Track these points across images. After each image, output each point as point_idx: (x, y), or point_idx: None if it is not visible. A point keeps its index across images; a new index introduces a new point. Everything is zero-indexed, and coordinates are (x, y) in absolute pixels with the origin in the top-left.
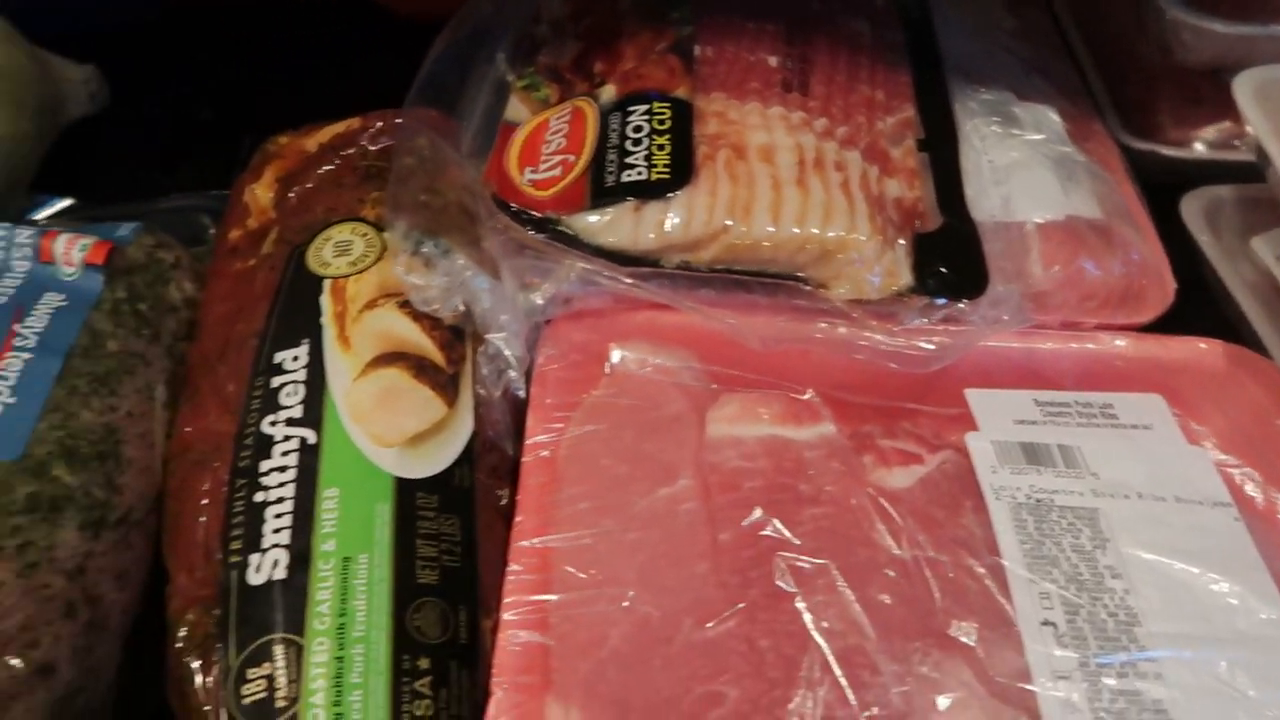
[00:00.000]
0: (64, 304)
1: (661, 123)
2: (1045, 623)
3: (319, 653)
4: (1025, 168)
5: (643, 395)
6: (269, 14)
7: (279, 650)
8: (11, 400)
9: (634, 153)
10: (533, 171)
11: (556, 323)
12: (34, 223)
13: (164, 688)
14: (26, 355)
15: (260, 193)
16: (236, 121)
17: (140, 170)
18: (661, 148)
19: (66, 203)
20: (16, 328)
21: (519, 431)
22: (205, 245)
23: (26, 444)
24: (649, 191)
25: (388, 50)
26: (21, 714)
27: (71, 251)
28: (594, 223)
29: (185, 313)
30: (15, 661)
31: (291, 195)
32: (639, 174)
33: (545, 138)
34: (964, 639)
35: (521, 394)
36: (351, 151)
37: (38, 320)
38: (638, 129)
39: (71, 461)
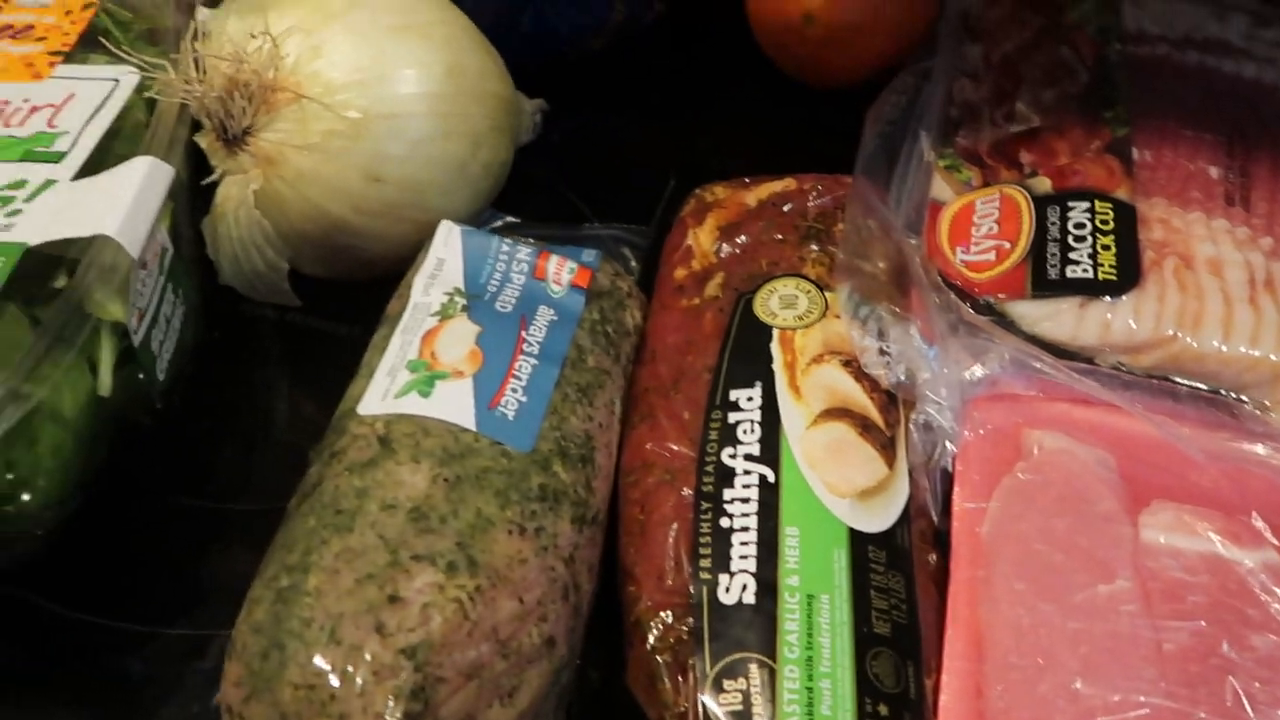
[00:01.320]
0: (555, 319)
1: (1104, 222)
2: None
3: (790, 680)
4: None
5: (1068, 486)
6: (690, 71)
7: (753, 669)
8: (524, 399)
9: (1076, 249)
10: (964, 252)
11: (980, 400)
12: (525, 239)
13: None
14: (533, 361)
15: (703, 238)
16: (659, 161)
17: (562, 195)
18: (1106, 247)
19: (511, 219)
20: (523, 334)
21: (945, 501)
22: (631, 275)
23: (535, 439)
24: (1095, 290)
25: (794, 110)
26: (534, 678)
27: (561, 273)
28: (1034, 312)
29: (635, 338)
30: (534, 631)
31: (735, 245)
32: (1084, 271)
33: (974, 220)
34: None
35: (948, 467)
36: (790, 210)
37: (538, 330)
38: (1079, 225)
39: (565, 460)
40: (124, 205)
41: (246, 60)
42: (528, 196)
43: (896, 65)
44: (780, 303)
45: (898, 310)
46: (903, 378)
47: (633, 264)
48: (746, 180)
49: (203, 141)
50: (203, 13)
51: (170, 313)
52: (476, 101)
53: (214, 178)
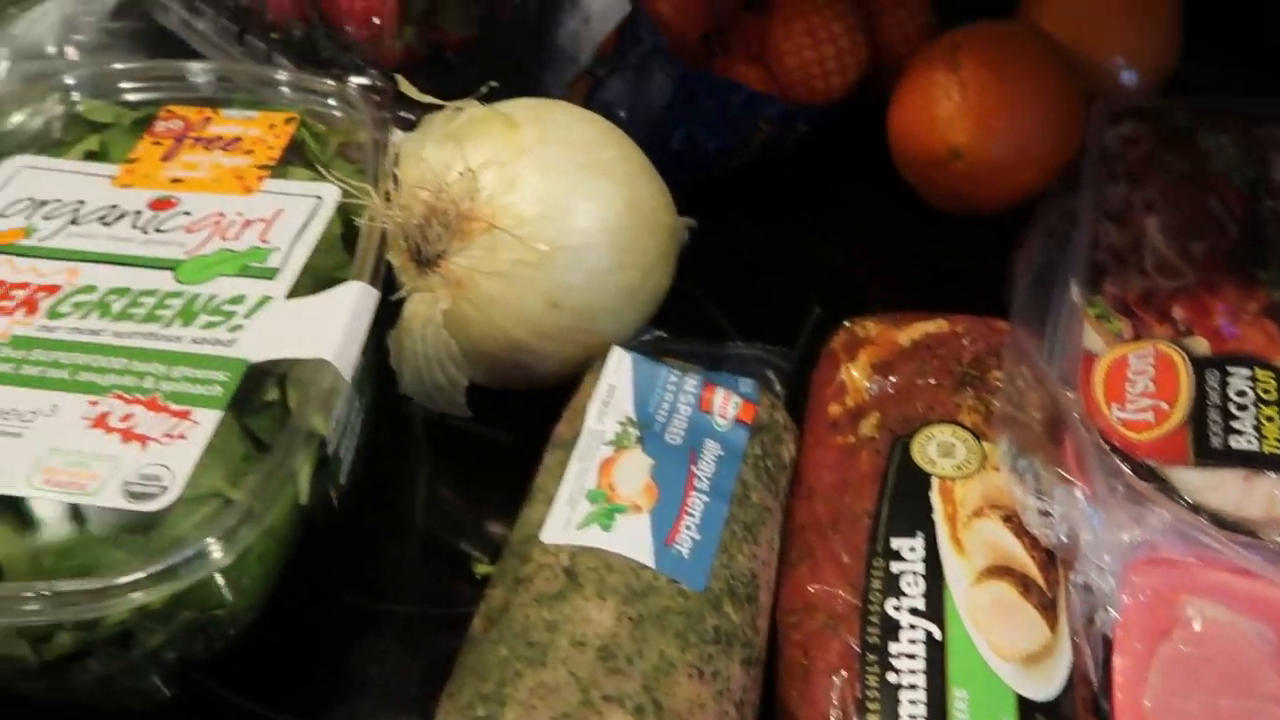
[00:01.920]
0: (722, 454)
1: (1267, 391)
2: None
3: None
4: None
5: (1233, 663)
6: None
7: None
8: (698, 537)
9: (1239, 418)
10: (1120, 410)
11: (1140, 565)
12: (689, 367)
13: None
14: (705, 497)
15: (856, 375)
16: (799, 281)
17: (704, 309)
18: (1270, 419)
19: (658, 333)
20: (694, 469)
21: (1104, 667)
22: (778, 397)
23: (708, 578)
24: (1261, 464)
25: (934, 236)
26: None
27: (727, 407)
28: (1197, 481)
29: (790, 471)
30: None
31: (888, 384)
32: (1249, 443)
33: (1129, 376)
34: None
35: (1108, 633)
36: (945, 354)
37: (707, 466)
38: (1240, 393)
39: (734, 600)
40: (339, 330)
41: (446, 190)
42: (671, 309)
43: (1040, 195)
44: (938, 450)
45: (1056, 466)
46: (1064, 539)
47: (777, 387)
48: (897, 316)
49: (394, 260)
50: (397, 135)
51: (354, 419)
52: (649, 233)
53: (402, 294)
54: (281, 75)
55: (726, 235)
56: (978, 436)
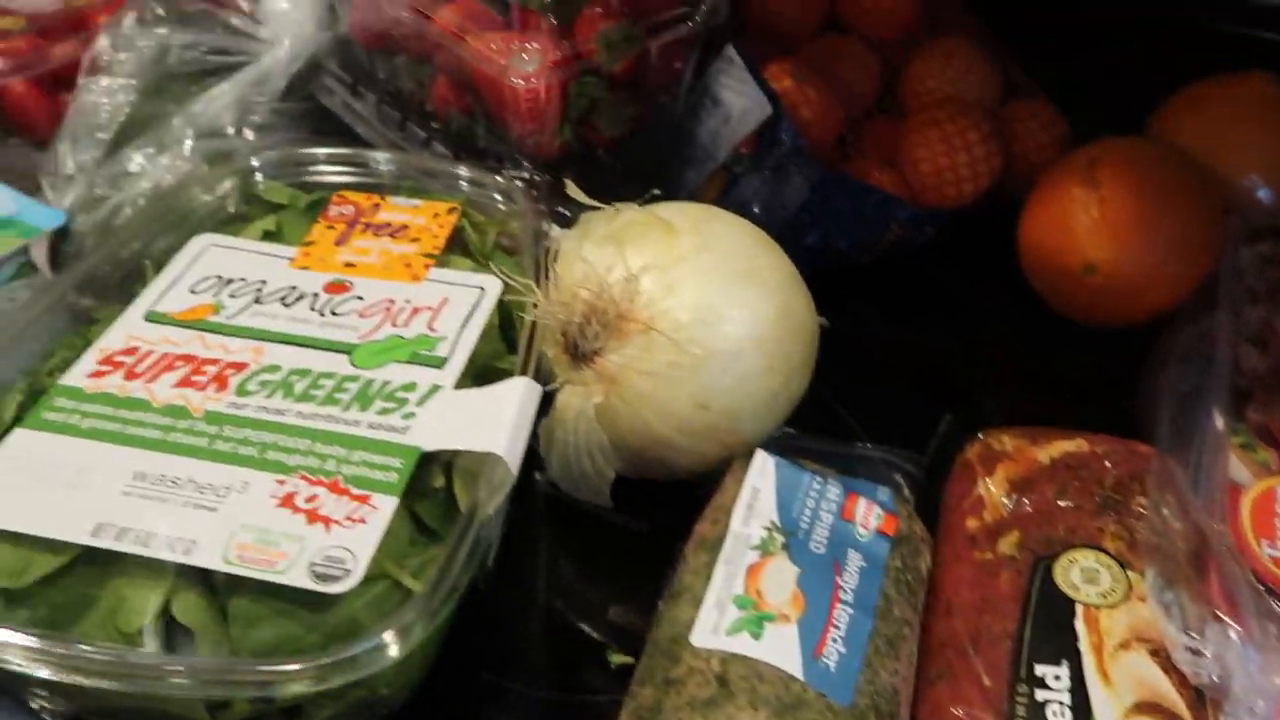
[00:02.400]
0: (864, 565)
1: None
2: None
3: None
4: None
5: None
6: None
7: None
8: (844, 650)
9: None
10: (1271, 547)
11: None
12: (828, 473)
13: None
14: (850, 610)
15: (994, 490)
16: (925, 382)
17: (830, 407)
18: None
19: (788, 430)
20: (839, 580)
21: None
22: (907, 503)
23: (854, 694)
24: None
25: (1065, 346)
26: None
27: (869, 518)
28: None
29: (926, 585)
30: None
31: (1028, 503)
32: None
33: (1276, 510)
34: None
35: None
36: (1086, 475)
37: (851, 577)
38: None
39: (879, 717)
40: (508, 425)
41: (608, 291)
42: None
43: (1173, 311)
44: (1082, 576)
45: (1204, 601)
46: (1216, 679)
47: (907, 492)
48: (1034, 432)
49: (549, 351)
50: (555, 231)
51: (505, 504)
52: (796, 340)
53: (555, 385)
54: (448, 167)
55: (851, 329)
56: (1122, 565)
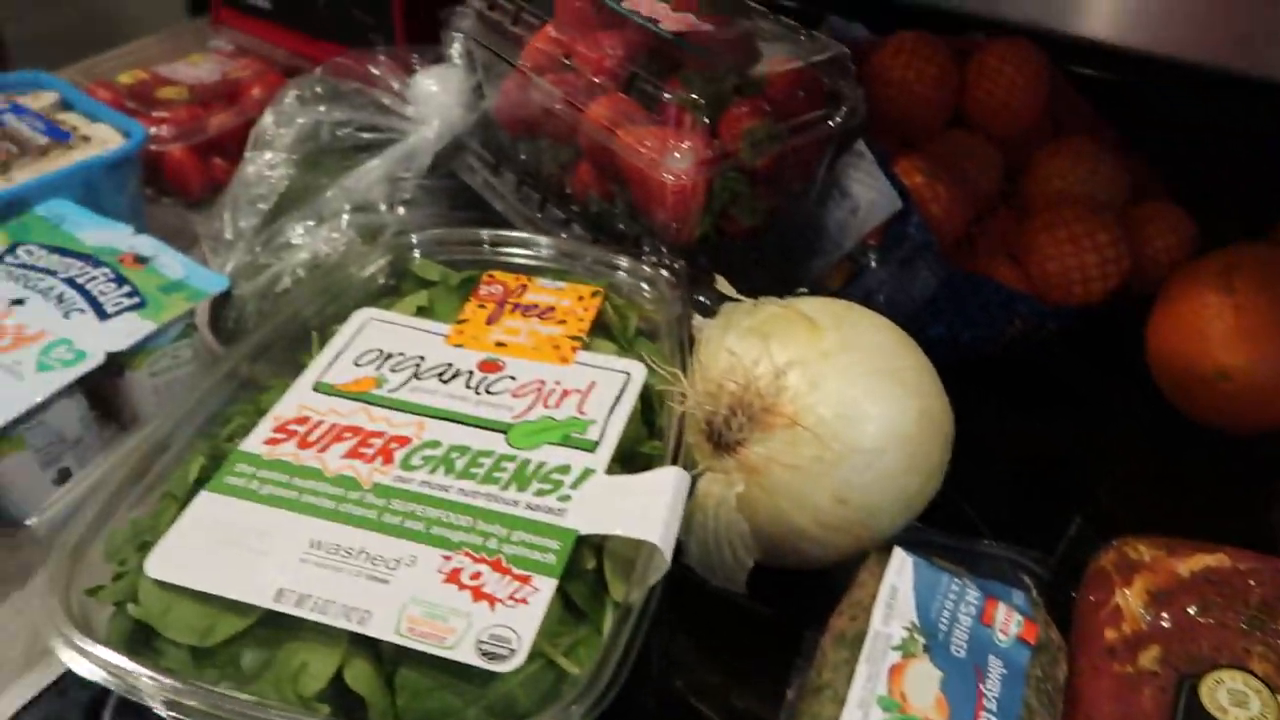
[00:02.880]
0: (1005, 673)
1: None
2: None
3: None
4: None
5: None
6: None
7: None
8: None
9: None
10: None
11: None
12: (965, 576)
13: None
14: (993, 719)
15: (1133, 601)
16: (1050, 479)
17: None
18: None
19: (914, 523)
20: (982, 688)
21: None
22: (1034, 606)
23: None
24: None
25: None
26: None
27: (1009, 624)
28: None
29: (1063, 695)
30: None
31: (1169, 617)
32: None
33: None
34: None
35: None
36: (1229, 592)
37: (994, 685)
38: None
39: None
40: (663, 514)
41: (754, 384)
42: None
43: None
44: (1229, 698)
45: None
46: None
47: (1034, 594)
48: (1172, 543)
49: (690, 438)
50: (699, 320)
51: None
52: (934, 441)
53: (696, 472)
54: (593, 252)
55: (976, 423)
56: (1272, 689)
